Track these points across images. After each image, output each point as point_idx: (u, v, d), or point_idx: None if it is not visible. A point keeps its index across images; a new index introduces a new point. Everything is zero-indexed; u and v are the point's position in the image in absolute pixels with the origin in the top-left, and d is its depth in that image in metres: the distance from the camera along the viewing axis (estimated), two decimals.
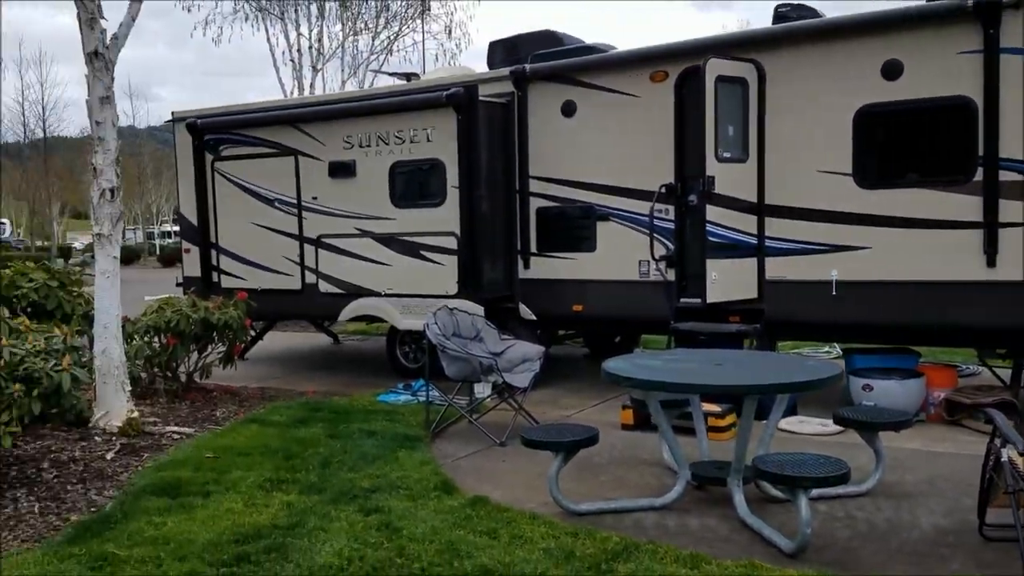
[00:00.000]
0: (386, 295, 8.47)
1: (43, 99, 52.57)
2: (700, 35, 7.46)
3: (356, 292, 8.66)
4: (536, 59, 7.92)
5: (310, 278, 9.00)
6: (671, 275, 7.29)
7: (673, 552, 3.85)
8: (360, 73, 19.06)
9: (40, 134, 44.96)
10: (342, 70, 19.13)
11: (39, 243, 50.56)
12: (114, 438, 6.01)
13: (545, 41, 8.33)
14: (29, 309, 7.13)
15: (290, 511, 4.49)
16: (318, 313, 9.92)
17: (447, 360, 6.33)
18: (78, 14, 6.23)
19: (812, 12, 7.05)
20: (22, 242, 51.72)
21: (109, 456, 5.62)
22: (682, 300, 7.17)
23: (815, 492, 4.17)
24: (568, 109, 7.68)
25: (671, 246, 7.28)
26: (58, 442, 5.90)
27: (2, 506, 4.64)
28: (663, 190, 7.23)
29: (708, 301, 6.78)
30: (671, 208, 7.26)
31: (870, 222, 6.48)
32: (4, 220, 54.65)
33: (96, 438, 6.01)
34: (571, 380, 8.37)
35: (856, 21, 6.49)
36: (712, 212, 6.74)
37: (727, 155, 6.79)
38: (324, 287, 8.90)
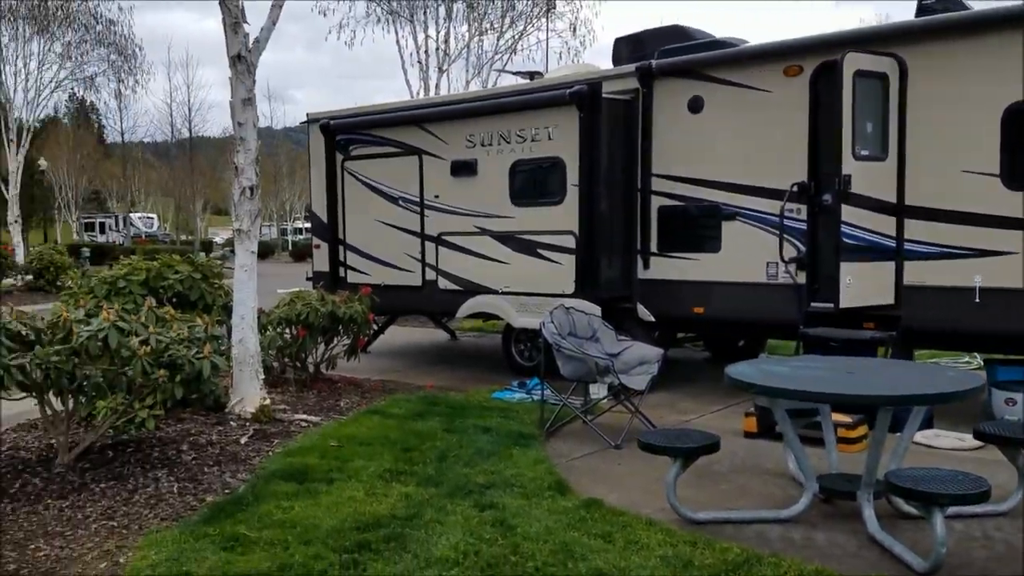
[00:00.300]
0: (503, 293, 8.54)
1: (189, 100, 56.29)
2: (836, 29, 7.14)
3: (474, 289, 8.78)
4: (663, 55, 7.78)
5: (430, 275, 9.19)
6: (801, 278, 6.99)
7: (797, 566, 3.69)
8: (484, 73, 19.34)
9: (186, 134, 48.03)
10: (467, 70, 19.48)
11: (183, 237, 53.98)
12: (248, 423, 6.32)
13: (672, 36, 8.18)
14: (174, 299, 7.56)
15: (408, 502, 4.58)
16: (437, 309, 10.11)
17: (562, 359, 6.31)
18: (223, 19, 6.57)
19: (959, 4, 6.61)
20: (168, 236, 55.38)
21: (243, 440, 5.91)
22: (813, 304, 6.87)
23: (951, 510, 3.90)
24: (695, 105, 7.50)
25: (802, 247, 6.99)
26: (197, 426, 6.25)
27: (144, 485, 4.95)
28: (795, 189, 6.95)
29: (841, 306, 6.48)
30: (803, 208, 6.97)
31: (1018, 226, 6.02)
32: (152, 215, 58.78)
33: (231, 423, 6.33)
34: (690, 384, 8.18)
35: (1006, 13, 6.03)
36: (847, 212, 6.44)
37: (865, 153, 6.47)
38: (443, 284, 9.07)
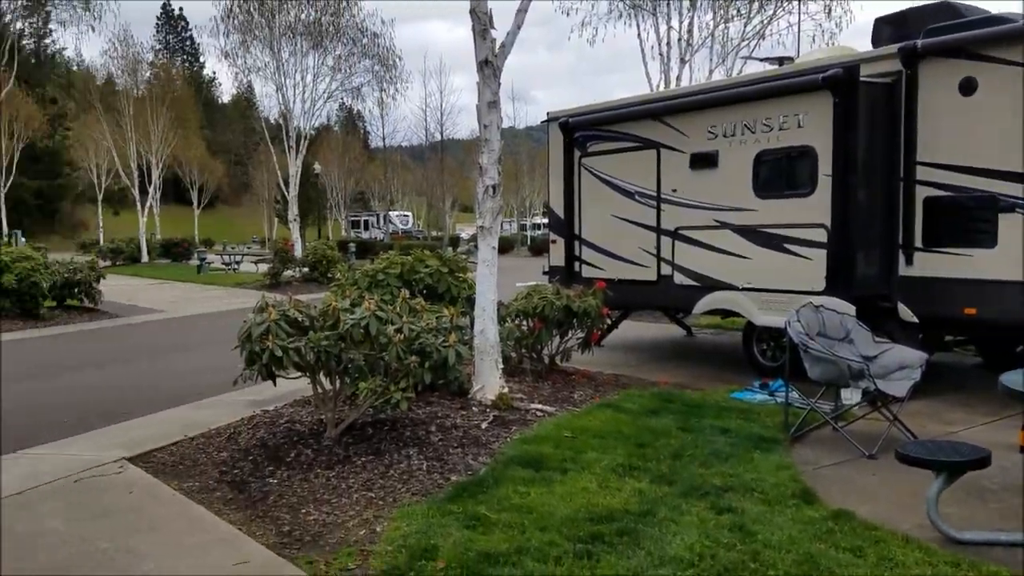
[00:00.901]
0: (743, 289, 8.22)
1: (441, 106, 60.18)
2: None
3: (712, 285, 8.54)
4: (930, 33, 7.07)
5: (665, 270, 9.06)
6: None
7: None
8: (729, 61, 18.64)
9: (438, 137, 51.26)
10: (710, 59, 18.86)
11: (434, 233, 57.70)
12: (488, 410, 6.61)
13: (940, 14, 7.41)
14: (424, 291, 8.10)
15: (641, 498, 4.56)
16: (672, 305, 9.95)
17: (810, 361, 5.95)
18: (472, 26, 6.91)
19: None
20: (421, 232, 59.43)
21: (483, 426, 6.20)
22: None
23: None
24: (967, 87, 6.74)
25: None
26: (443, 409, 6.64)
27: (398, 461, 5.35)
28: None
29: None
30: None
31: None
32: (408, 213, 63.41)
33: (473, 408, 6.66)
34: (958, 392, 7.37)
35: None
36: None
37: None
38: (679, 279, 8.90)
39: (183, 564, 3.90)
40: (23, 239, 33.94)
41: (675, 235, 8.93)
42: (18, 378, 9.44)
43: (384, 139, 54.08)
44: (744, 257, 8.21)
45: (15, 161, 37.55)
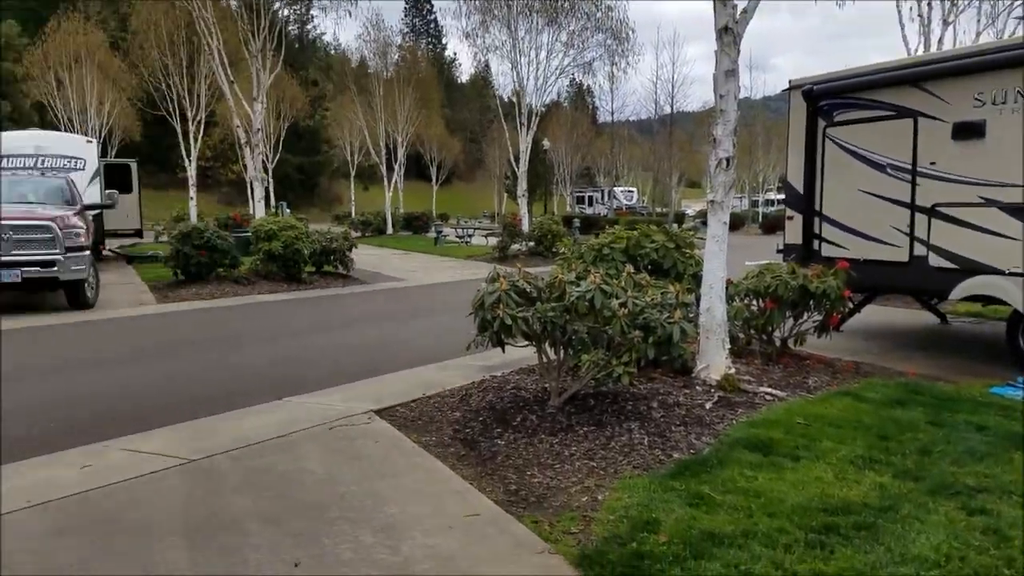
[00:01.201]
0: (1011, 274, 7.35)
1: (673, 77, 59.09)
2: None
3: (973, 268, 7.71)
4: None
5: (919, 250, 8.31)
6: None
7: None
8: (1000, 23, 16.62)
9: (668, 110, 50.35)
10: (977, 20, 16.95)
11: (659, 209, 57.00)
12: (712, 390, 6.46)
13: None
14: (649, 267, 8.04)
15: (882, 493, 4.26)
16: (925, 289, 9.13)
17: None
18: None
19: None
20: (646, 208, 58.92)
21: (707, 406, 6.07)
22: None
23: None
24: None
25: None
26: (665, 386, 6.58)
27: (619, 434, 5.39)
28: None
29: None
30: None
31: None
32: (632, 188, 63.17)
33: (697, 387, 6.54)
34: None
35: None
36: None
37: None
38: (935, 261, 8.13)
39: (421, 511, 4.20)
40: (288, 210, 37.80)
41: (932, 212, 8.15)
42: (279, 336, 10.62)
43: (612, 113, 54.01)
44: (1013, 239, 7.34)
45: (282, 139, 41.85)
